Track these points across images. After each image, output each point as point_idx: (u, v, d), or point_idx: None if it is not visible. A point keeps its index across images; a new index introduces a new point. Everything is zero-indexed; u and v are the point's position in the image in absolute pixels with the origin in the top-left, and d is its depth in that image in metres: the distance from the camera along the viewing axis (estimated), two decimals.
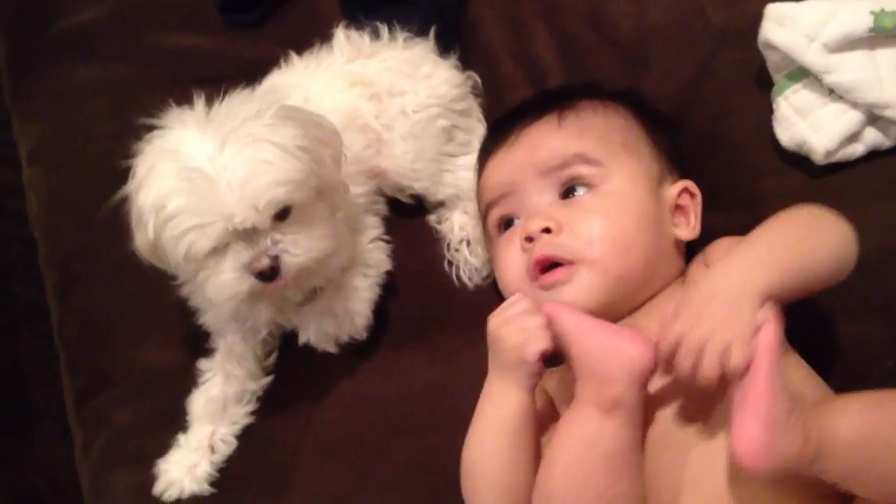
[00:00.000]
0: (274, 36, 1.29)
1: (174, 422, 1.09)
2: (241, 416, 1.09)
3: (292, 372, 1.11)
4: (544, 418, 0.95)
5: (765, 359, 0.78)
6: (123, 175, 0.95)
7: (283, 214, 0.92)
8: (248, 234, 0.91)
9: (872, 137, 1.07)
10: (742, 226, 1.02)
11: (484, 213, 1.07)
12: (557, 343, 0.88)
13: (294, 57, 1.17)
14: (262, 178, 0.89)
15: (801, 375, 0.90)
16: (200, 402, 1.08)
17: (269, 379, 1.11)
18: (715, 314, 0.81)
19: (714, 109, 1.15)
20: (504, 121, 1.10)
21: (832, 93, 1.07)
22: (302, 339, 1.07)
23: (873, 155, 1.07)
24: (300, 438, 1.08)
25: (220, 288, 0.93)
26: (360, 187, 1.09)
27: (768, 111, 1.11)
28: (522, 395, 0.89)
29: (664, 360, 0.83)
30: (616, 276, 0.96)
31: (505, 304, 0.92)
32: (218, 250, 0.91)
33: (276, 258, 0.92)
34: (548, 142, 1.03)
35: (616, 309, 0.97)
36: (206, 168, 0.89)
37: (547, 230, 0.97)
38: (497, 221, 1.04)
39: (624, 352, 0.83)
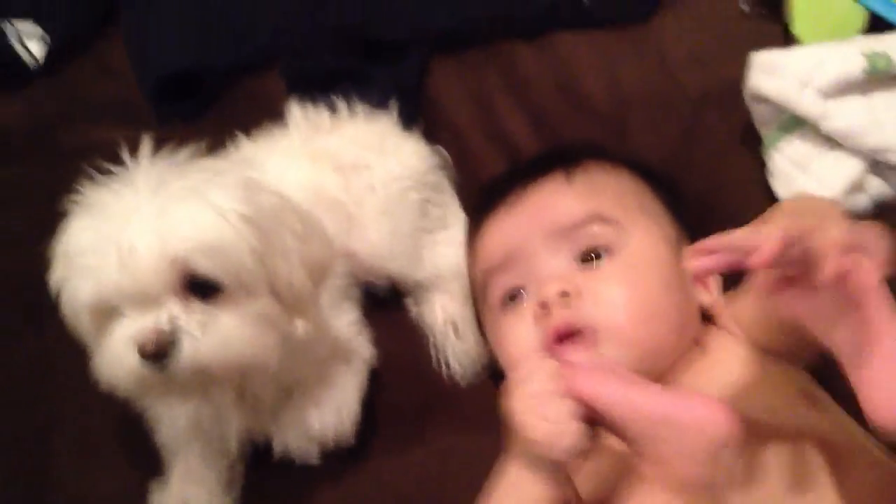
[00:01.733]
0: (214, 125, 1.17)
1: None
2: None
3: (265, 488, 0.94)
4: None
5: (880, 298, 0.64)
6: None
7: (204, 291, 0.76)
8: (150, 302, 0.75)
9: (877, 187, 1.02)
10: None
11: (482, 284, 0.94)
12: (601, 420, 0.72)
13: (243, 139, 1.06)
14: (175, 235, 0.74)
15: None
16: None
17: (233, 501, 0.93)
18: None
19: (705, 173, 1.09)
20: (499, 182, 1.00)
21: (830, 141, 1.01)
22: (278, 449, 0.90)
23: (881, 207, 1.02)
24: None
25: (104, 364, 0.77)
26: (336, 270, 0.96)
27: (761, 169, 1.06)
28: (551, 489, 0.74)
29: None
30: (644, 348, 0.84)
31: (523, 373, 0.75)
32: (114, 316, 0.76)
33: (169, 339, 0.74)
34: (557, 201, 0.92)
35: None
36: (122, 211, 0.75)
37: (565, 294, 0.85)
38: (500, 293, 0.91)
39: (700, 423, 0.68)
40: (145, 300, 0.75)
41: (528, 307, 0.88)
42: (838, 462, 0.73)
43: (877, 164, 1.01)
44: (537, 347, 0.84)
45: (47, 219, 0.93)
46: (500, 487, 0.77)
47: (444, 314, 1.02)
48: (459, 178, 1.10)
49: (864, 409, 0.64)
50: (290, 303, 0.81)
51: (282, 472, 0.92)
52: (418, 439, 0.96)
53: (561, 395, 0.71)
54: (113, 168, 0.80)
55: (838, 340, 0.66)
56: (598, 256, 0.88)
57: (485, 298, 0.94)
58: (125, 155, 0.80)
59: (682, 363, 0.87)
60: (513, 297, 0.91)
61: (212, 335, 0.75)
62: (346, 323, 0.95)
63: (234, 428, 0.89)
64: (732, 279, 0.91)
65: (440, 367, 1.00)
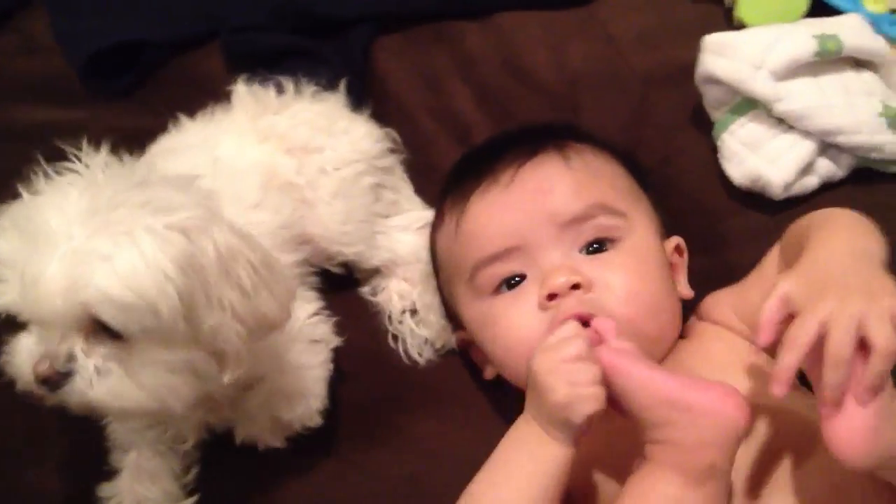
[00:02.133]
0: (149, 103, 1.12)
1: None
2: None
3: (224, 485, 0.90)
4: None
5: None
6: None
7: (114, 332, 0.72)
8: (53, 330, 0.72)
9: (825, 168, 1.03)
10: (715, 274, 0.97)
11: (471, 269, 0.89)
12: (619, 398, 0.73)
13: (184, 119, 1.01)
14: (87, 281, 0.68)
15: None
16: None
17: (193, 500, 0.89)
18: (859, 284, 0.68)
19: (657, 154, 1.09)
20: (481, 155, 0.96)
21: (781, 123, 1.02)
22: (241, 436, 0.87)
23: (825, 187, 1.03)
24: None
25: (10, 365, 0.74)
26: (291, 256, 0.92)
27: (712, 150, 1.06)
28: (565, 450, 0.74)
29: (803, 354, 0.67)
30: (652, 338, 0.84)
31: (555, 336, 0.76)
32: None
33: (62, 372, 0.72)
34: (560, 185, 0.89)
35: None
36: (42, 234, 0.70)
37: (575, 286, 0.83)
38: (495, 279, 0.88)
39: (719, 411, 0.69)
40: (49, 328, 0.71)
41: (529, 294, 0.85)
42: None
43: (825, 146, 1.02)
44: (542, 334, 0.82)
45: None
46: (512, 445, 0.77)
47: (400, 301, 0.99)
48: (409, 160, 1.07)
49: (824, 436, 0.66)
50: (217, 353, 0.76)
51: (240, 463, 0.89)
52: (386, 429, 0.93)
53: (590, 363, 0.72)
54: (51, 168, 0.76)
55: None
56: (601, 245, 0.87)
57: (471, 282, 0.89)
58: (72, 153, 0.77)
59: (669, 362, 0.87)
60: (509, 282, 0.87)
61: (105, 381, 0.72)
62: (307, 313, 0.91)
63: (190, 423, 0.85)
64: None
65: (399, 353, 0.98)
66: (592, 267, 0.85)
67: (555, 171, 0.90)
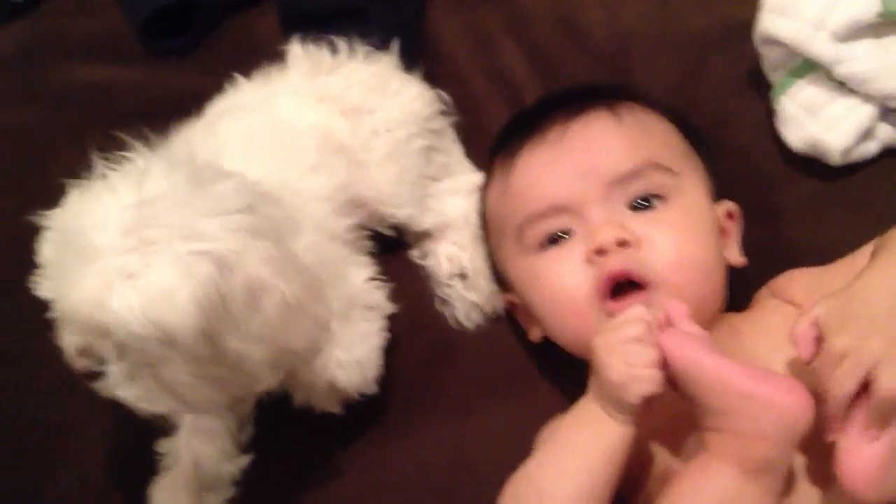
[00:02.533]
0: (206, 63, 1.13)
1: None
2: None
3: (277, 446, 0.92)
4: None
5: None
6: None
7: None
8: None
9: (886, 133, 1.01)
10: (769, 243, 0.96)
11: (517, 226, 0.89)
12: (682, 383, 0.72)
13: (240, 79, 1.01)
14: (115, 298, 0.69)
15: None
16: (167, 492, 0.88)
17: (248, 458, 0.91)
18: (890, 329, 0.68)
19: (710, 117, 1.06)
20: (529, 115, 0.95)
21: (842, 87, 1.00)
22: (298, 401, 0.89)
23: (886, 153, 1.01)
24: None
25: None
26: (347, 220, 0.93)
27: (769, 114, 1.04)
28: (624, 429, 0.74)
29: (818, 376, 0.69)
30: (697, 303, 0.82)
31: (618, 320, 0.76)
32: None
33: (96, 369, 0.75)
34: (609, 142, 0.88)
35: None
36: (78, 247, 0.71)
37: (624, 243, 0.83)
38: (541, 235, 0.87)
39: (783, 405, 0.68)
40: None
41: (575, 250, 0.84)
42: None
43: (886, 111, 0.99)
44: (588, 289, 0.83)
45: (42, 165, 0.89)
46: (573, 423, 0.78)
47: (450, 265, 1.00)
48: (460, 121, 1.07)
49: (836, 468, 0.66)
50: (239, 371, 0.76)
51: (292, 426, 0.91)
52: (432, 397, 0.95)
53: (649, 346, 0.72)
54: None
55: None
56: (648, 202, 0.86)
57: (519, 239, 0.89)
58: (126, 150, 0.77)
59: (728, 326, 0.86)
60: (554, 238, 0.87)
61: (134, 386, 0.74)
62: (362, 278, 0.92)
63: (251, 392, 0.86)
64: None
65: (447, 317, 0.99)
66: (640, 224, 0.84)
67: (604, 128, 0.89)
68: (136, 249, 0.70)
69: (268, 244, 0.74)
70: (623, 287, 0.82)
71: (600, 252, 0.82)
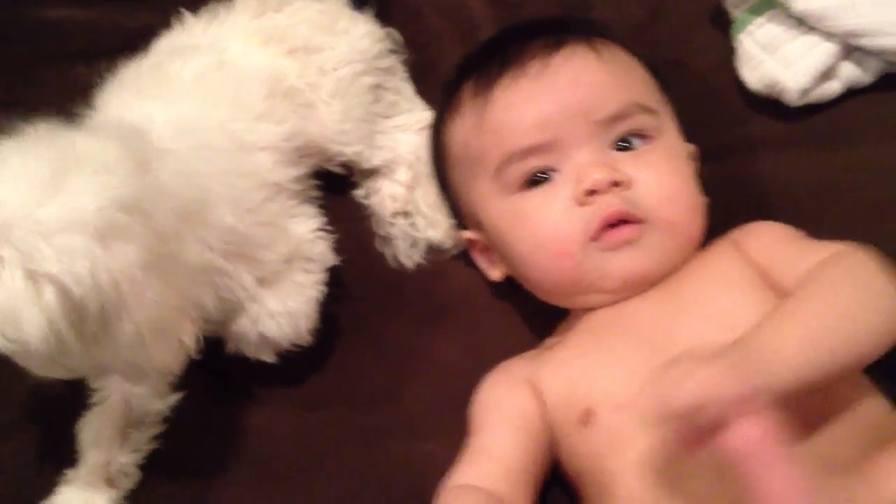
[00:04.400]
0: (158, 1, 1.10)
1: (62, 454, 0.89)
2: (144, 441, 0.89)
3: (210, 383, 0.92)
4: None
5: (759, 478, 0.61)
6: None
7: None
8: None
9: (849, 73, 0.97)
10: (726, 183, 0.95)
11: (498, 163, 0.86)
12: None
13: (188, 16, 1.00)
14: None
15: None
16: (93, 428, 0.88)
17: (178, 395, 0.91)
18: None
19: (670, 55, 1.03)
20: (500, 45, 0.91)
21: (801, 24, 0.96)
22: (231, 349, 0.88)
23: (851, 93, 0.97)
24: (226, 461, 0.89)
25: None
26: (294, 170, 0.92)
27: (729, 53, 1.01)
28: None
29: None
30: (686, 237, 0.83)
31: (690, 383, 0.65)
32: None
33: None
34: (595, 80, 0.86)
35: (660, 278, 0.84)
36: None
37: (616, 184, 0.82)
38: (523, 174, 0.85)
39: None
40: None
41: (563, 190, 0.83)
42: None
43: (850, 49, 0.95)
44: (578, 231, 0.81)
45: None
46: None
47: (392, 203, 0.99)
48: (411, 59, 1.05)
49: None
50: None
51: (228, 364, 0.90)
52: (369, 337, 0.94)
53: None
54: None
55: None
56: (630, 142, 0.85)
57: (497, 177, 0.86)
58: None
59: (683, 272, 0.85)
60: (537, 177, 0.85)
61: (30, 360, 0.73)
62: (306, 230, 0.91)
63: None
64: None
65: (388, 257, 0.98)
66: (628, 164, 0.83)
67: (588, 64, 0.87)
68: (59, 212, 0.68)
69: (131, 251, 0.70)
70: (612, 225, 0.82)
71: (591, 193, 0.81)
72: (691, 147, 0.91)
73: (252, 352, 0.88)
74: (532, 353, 0.87)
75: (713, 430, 0.62)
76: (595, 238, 0.81)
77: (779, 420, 0.61)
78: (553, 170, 0.84)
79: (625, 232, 0.81)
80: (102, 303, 0.69)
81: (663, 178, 0.83)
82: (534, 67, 0.86)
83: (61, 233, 0.68)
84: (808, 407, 0.67)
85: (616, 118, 0.84)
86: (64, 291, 0.68)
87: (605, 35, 0.92)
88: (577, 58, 0.87)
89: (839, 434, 0.70)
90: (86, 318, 0.69)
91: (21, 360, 0.73)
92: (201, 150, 0.84)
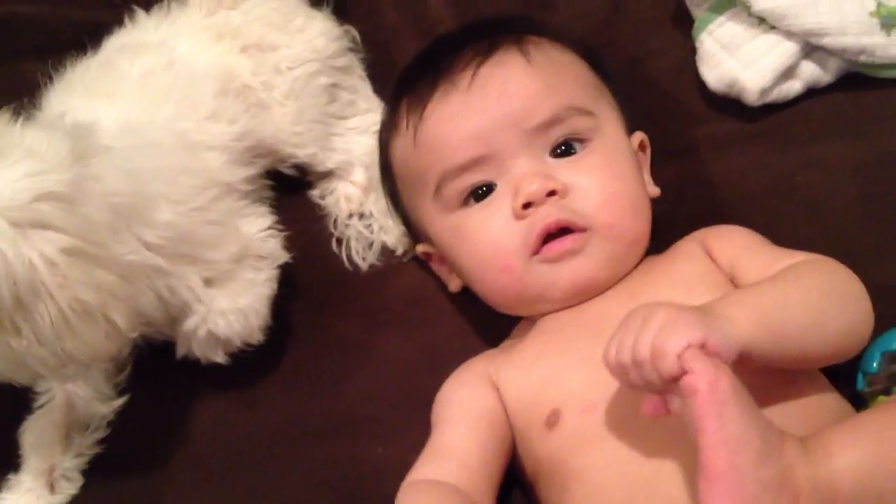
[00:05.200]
0: None
1: (4, 460, 0.88)
2: (88, 446, 0.88)
3: (154, 382, 0.91)
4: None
5: (710, 412, 0.60)
6: None
7: None
8: None
9: (810, 72, 0.96)
10: (688, 180, 0.95)
11: (435, 181, 0.84)
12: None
13: (141, 14, 0.98)
14: None
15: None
16: (36, 433, 0.87)
17: (122, 400, 0.90)
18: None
19: (631, 53, 1.04)
20: (434, 54, 0.90)
21: (762, 23, 0.96)
22: (181, 352, 0.87)
23: (812, 93, 0.96)
24: (169, 461, 0.88)
25: None
26: (245, 170, 0.91)
27: (690, 52, 1.00)
28: None
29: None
30: (631, 240, 0.82)
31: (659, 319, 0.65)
32: None
33: None
34: (524, 87, 0.84)
35: (613, 281, 0.83)
36: None
37: (552, 193, 0.80)
38: (461, 190, 0.83)
39: None
40: None
41: (501, 204, 0.82)
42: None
43: (811, 48, 0.95)
44: (518, 245, 0.80)
45: None
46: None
47: (347, 204, 0.98)
48: (369, 57, 1.04)
49: None
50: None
51: (171, 364, 0.88)
52: (320, 335, 0.93)
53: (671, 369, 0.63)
54: None
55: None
56: (570, 146, 0.83)
57: (438, 196, 0.85)
58: None
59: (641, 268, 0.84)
60: (478, 192, 0.83)
61: None
62: (257, 229, 0.89)
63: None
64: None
65: (343, 258, 0.97)
66: (565, 171, 0.82)
67: (517, 70, 0.85)
68: None
69: (55, 239, 0.69)
70: (553, 235, 0.80)
71: (527, 206, 0.80)
72: (639, 137, 0.90)
73: (202, 352, 0.87)
74: (493, 351, 0.86)
75: (671, 379, 0.62)
76: (536, 251, 0.80)
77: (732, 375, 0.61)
78: (492, 183, 0.83)
79: (566, 243, 0.80)
80: (17, 286, 0.68)
81: (601, 181, 0.81)
82: (464, 79, 0.85)
83: None
84: (762, 389, 0.66)
85: (549, 124, 0.82)
86: None
87: (540, 32, 0.90)
88: (506, 65, 0.85)
89: (791, 415, 0.69)
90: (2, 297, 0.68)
91: None
92: (146, 147, 0.83)
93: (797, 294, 0.71)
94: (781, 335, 0.68)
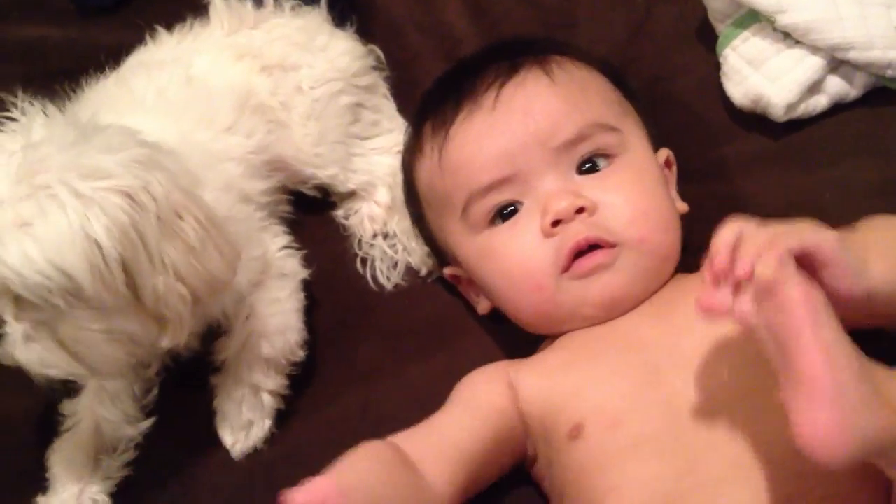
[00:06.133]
0: (135, 20, 1.10)
1: (32, 482, 0.88)
2: (115, 469, 0.88)
3: (181, 404, 0.91)
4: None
5: (807, 319, 0.58)
6: None
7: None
8: None
9: (836, 87, 0.95)
10: (712, 199, 0.93)
11: (462, 202, 0.84)
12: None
13: (163, 33, 0.99)
14: (10, 248, 0.67)
15: None
16: (64, 455, 0.87)
17: (150, 421, 0.90)
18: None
19: (654, 72, 1.03)
20: (458, 76, 0.90)
21: (787, 38, 0.95)
22: (239, 392, 0.87)
23: (838, 108, 0.95)
24: (195, 484, 0.87)
25: None
26: (263, 183, 0.91)
27: (715, 69, 0.99)
28: None
29: None
30: (662, 256, 0.81)
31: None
32: None
33: None
34: (547, 105, 0.84)
35: (644, 296, 0.82)
36: None
37: (580, 210, 0.80)
38: (488, 210, 0.83)
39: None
40: None
41: (529, 223, 0.81)
42: None
43: (837, 63, 0.94)
44: (548, 263, 0.80)
45: None
46: None
47: (371, 225, 0.98)
48: (395, 79, 1.04)
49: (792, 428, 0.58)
50: (159, 316, 0.74)
51: (197, 389, 0.89)
52: (341, 356, 0.93)
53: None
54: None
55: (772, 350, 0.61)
56: (595, 163, 0.83)
57: (465, 217, 0.84)
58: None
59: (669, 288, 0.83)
60: (503, 211, 0.83)
61: (33, 348, 0.73)
62: (276, 247, 0.90)
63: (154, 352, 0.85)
64: None
65: (367, 279, 0.96)
66: (593, 187, 0.81)
67: (540, 89, 0.85)
68: (30, 196, 0.68)
69: (171, 174, 0.73)
70: (583, 252, 0.80)
71: (556, 223, 0.79)
72: (664, 153, 0.90)
73: (259, 381, 0.87)
74: (520, 360, 0.85)
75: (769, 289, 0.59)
76: (566, 269, 0.79)
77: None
78: (519, 202, 0.82)
79: (597, 258, 0.79)
80: (158, 205, 0.71)
81: (630, 197, 0.81)
82: (487, 100, 0.84)
83: (109, 153, 0.71)
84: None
85: (575, 141, 0.82)
86: (126, 200, 0.69)
87: (562, 52, 0.90)
88: (529, 85, 0.85)
89: None
90: (147, 231, 0.70)
91: (59, 318, 0.71)
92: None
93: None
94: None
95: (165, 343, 0.76)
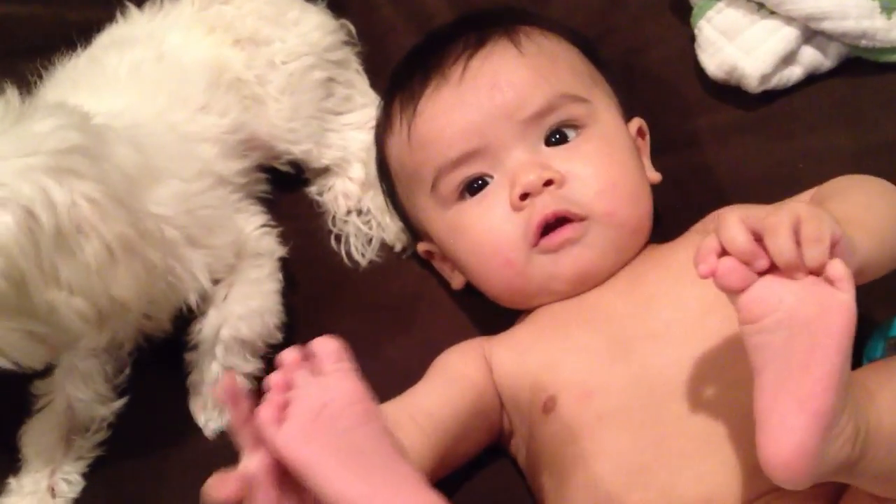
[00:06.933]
0: None
1: (3, 463, 0.87)
2: (87, 448, 0.88)
3: (154, 383, 0.90)
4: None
5: (835, 346, 0.57)
6: None
7: None
8: None
9: (811, 58, 0.95)
10: (687, 169, 0.93)
11: (431, 176, 0.83)
12: None
13: (133, 9, 0.98)
14: None
15: None
16: (36, 436, 0.86)
17: (122, 401, 0.89)
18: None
19: (629, 43, 1.03)
20: (425, 50, 0.89)
21: (762, 8, 0.95)
22: (212, 371, 0.87)
23: (812, 79, 0.95)
24: (169, 462, 0.87)
25: None
26: (238, 163, 0.90)
27: (689, 40, 0.99)
28: None
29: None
30: (631, 228, 0.81)
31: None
32: None
33: None
34: (516, 77, 0.83)
35: (615, 269, 0.81)
36: None
37: (549, 183, 0.79)
38: (457, 184, 0.82)
39: None
40: None
41: (498, 196, 0.81)
42: None
43: (811, 33, 0.94)
44: (517, 237, 0.79)
45: None
46: None
47: (345, 201, 0.97)
48: (365, 50, 1.03)
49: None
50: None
51: (171, 367, 0.88)
52: (318, 331, 0.90)
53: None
54: None
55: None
56: (564, 135, 0.82)
57: (434, 191, 0.84)
58: None
59: (641, 261, 0.83)
60: (472, 185, 0.82)
61: None
62: (252, 227, 0.90)
63: (126, 331, 0.85)
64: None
65: (342, 255, 0.96)
66: (561, 159, 0.81)
67: (508, 61, 0.84)
68: None
69: (89, 184, 0.70)
70: (552, 224, 0.79)
71: (524, 196, 0.79)
72: (637, 123, 0.89)
73: (233, 362, 0.86)
74: (495, 336, 0.85)
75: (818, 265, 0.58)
76: (535, 243, 0.79)
77: None
78: (488, 175, 0.82)
79: (565, 232, 0.79)
80: (60, 221, 0.68)
81: (599, 168, 0.80)
82: (455, 73, 0.84)
83: (16, 157, 0.69)
84: None
85: (543, 113, 0.82)
86: (18, 214, 0.67)
87: (531, 22, 0.89)
88: (496, 56, 0.84)
89: None
90: (42, 245, 0.68)
91: None
92: (141, 132, 0.83)
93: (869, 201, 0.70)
94: (882, 244, 0.65)
95: (84, 344, 0.76)
